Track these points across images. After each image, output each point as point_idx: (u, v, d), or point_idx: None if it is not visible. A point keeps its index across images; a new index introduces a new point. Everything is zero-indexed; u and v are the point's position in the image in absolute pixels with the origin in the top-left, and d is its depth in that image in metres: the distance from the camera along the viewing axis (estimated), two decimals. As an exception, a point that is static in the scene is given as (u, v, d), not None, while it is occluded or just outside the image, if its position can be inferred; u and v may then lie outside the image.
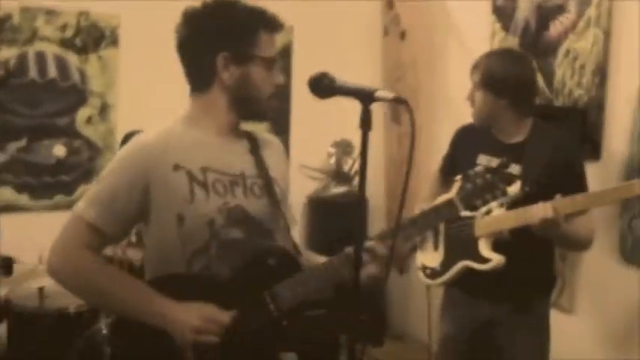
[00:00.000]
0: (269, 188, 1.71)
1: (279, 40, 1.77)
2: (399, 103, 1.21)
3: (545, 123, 2.49)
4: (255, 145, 1.77)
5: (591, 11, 3.18)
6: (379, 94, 1.23)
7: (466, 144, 2.57)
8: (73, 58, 4.24)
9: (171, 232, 1.60)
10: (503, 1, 3.72)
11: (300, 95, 4.76)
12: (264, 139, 1.84)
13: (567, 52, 3.30)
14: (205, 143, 1.68)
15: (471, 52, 4.20)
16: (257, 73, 1.66)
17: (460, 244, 2.44)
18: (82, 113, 4.30)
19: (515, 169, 2.34)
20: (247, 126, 1.82)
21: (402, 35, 4.44)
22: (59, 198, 4.28)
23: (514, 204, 2.27)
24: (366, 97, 1.24)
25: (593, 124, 3.13)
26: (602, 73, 3.12)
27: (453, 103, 3.87)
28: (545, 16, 3.46)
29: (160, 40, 4.41)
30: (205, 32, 1.68)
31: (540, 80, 3.51)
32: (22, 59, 4.12)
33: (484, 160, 2.43)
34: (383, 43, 4.63)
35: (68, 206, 4.22)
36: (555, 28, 3.41)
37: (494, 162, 2.34)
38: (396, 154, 4.39)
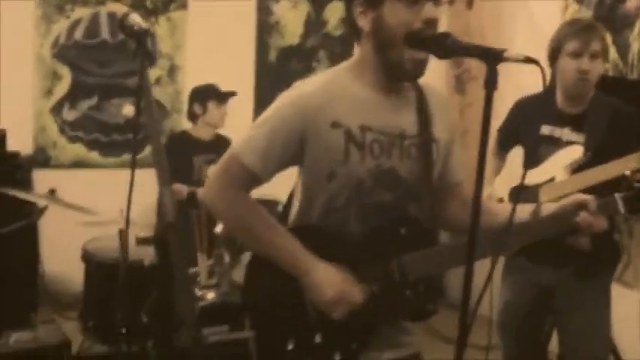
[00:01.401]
0: (427, 149, 1.64)
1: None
2: (530, 63, 1.22)
3: (607, 95, 2.51)
4: (421, 99, 1.66)
5: (673, -17, 3.12)
6: (508, 54, 1.22)
7: (528, 115, 2.56)
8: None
9: (319, 187, 1.61)
10: (578, -28, 3.66)
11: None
12: (431, 92, 1.71)
13: (645, 25, 3.25)
14: (366, 99, 1.60)
15: (541, 24, 4.18)
16: (391, 12, 1.51)
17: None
18: (151, 74, 4.39)
19: (575, 137, 2.42)
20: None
21: (470, 4, 4.40)
22: (127, 156, 4.40)
23: (577, 169, 2.33)
24: (492, 57, 1.23)
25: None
26: (680, 47, 3.08)
27: (520, 75, 3.84)
28: (622, -12, 3.41)
29: (227, 3, 4.51)
30: None
31: (614, 53, 3.47)
32: (95, 19, 4.22)
33: (547, 130, 2.48)
34: (449, 11, 4.60)
35: (136, 164, 4.41)
36: (632, 1, 3.35)
37: (557, 132, 2.46)
38: (460, 125, 4.39)
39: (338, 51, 4.78)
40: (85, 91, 4.25)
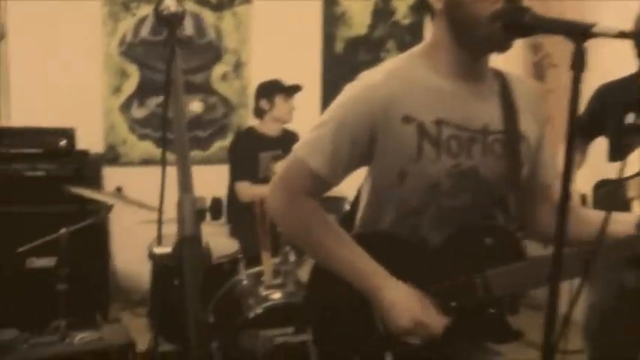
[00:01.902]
0: (513, 146, 1.45)
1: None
2: (625, 38, 1.05)
3: None
4: (505, 88, 1.48)
5: None
6: (598, 28, 1.05)
7: (612, 102, 2.38)
8: (208, 15, 4.28)
9: (389, 188, 1.45)
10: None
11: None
12: (515, 80, 1.53)
13: None
14: (442, 89, 1.43)
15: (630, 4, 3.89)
16: None
17: (609, 208, 2.24)
18: (217, 70, 4.35)
19: None
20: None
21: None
22: (195, 153, 4.38)
23: None
24: (579, 33, 1.05)
25: None
26: None
27: (601, 57, 3.59)
28: None
29: (291, -5, 4.43)
30: None
31: None
32: None
33: (632, 119, 2.29)
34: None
35: (204, 161, 4.42)
36: None
37: None
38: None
39: (407, 40, 4.61)
40: (152, 88, 4.25)
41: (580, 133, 2.51)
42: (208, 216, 2.97)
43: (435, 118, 1.42)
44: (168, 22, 1.12)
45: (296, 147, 1.49)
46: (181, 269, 0.89)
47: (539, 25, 1.23)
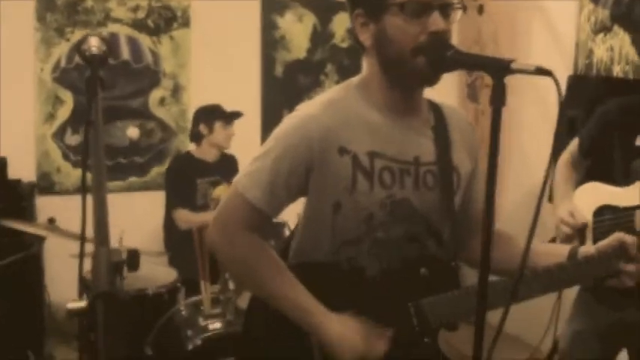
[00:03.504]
0: (445, 178, 1.48)
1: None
2: (542, 74, 1.07)
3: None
4: (439, 120, 1.51)
5: (695, -22, 2.94)
6: (516, 65, 1.08)
7: (620, 123, 2.26)
8: (145, 40, 4.23)
9: (325, 219, 1.46)
10: (593, -29, 3.50)
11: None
12: (450, 113, 1.55)
13: (666, 23, 3.07)
14: (376, 121, 1.45)
15: (556, 26, 4.02)
16: (394, 25, 1.36)
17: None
18: (155, 94, 4.29)
19: None
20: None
21: (480, 9, 4.25)
22: (133, 179, 4.30)
23: None
24: (499, 69, 1.09)
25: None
26: None
27: (536, 79, 3.69)
28: (640, -15, 3.24)
29: (230, 19, 4.41)
30: None
31: (634, 54, 3.30)
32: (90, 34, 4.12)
33: None
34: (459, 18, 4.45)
35: (142, 188, 4.34)
36: (652, -2, 3.18)
37: None
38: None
39: (346, 63, 4.65)
40: (87, 114, 4.14)
41: (582, 150, 2.39)
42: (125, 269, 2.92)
43: (368, 150, 1.44)
44: (90, 62, 1.08)
45: (235, 180, 1.49)
46: (96, 326, 0.86)
47: (461, 60, 1.26)
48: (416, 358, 1.48)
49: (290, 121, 1.47)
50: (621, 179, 2.21)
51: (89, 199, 0.97)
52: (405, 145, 1.47)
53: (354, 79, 1.52)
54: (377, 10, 1.38)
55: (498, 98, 1.04)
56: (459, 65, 1.29)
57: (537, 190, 2.18)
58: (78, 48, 1.16)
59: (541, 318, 3.10)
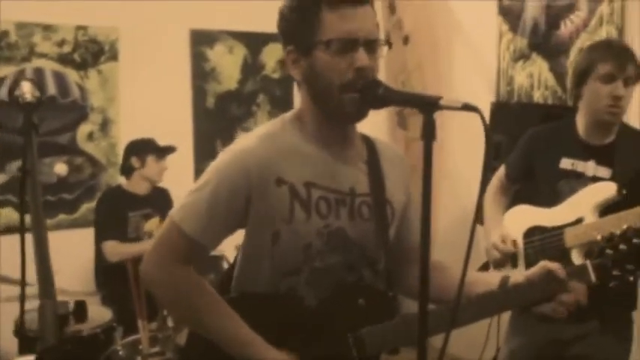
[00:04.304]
0: (380, 210, 1.52)
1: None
2: (468, 110, 1.13)
3: (627, 125, 2.31)
4: (372, 154, 1.56)
5: (603, 8, 3.14)
6: (444, 102, 1.13)
7: (545, 148, 2.34)
8: (72, 74, 4.15)
9: (264, 249, 1.47)
10: (510, 2, 3.68)
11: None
12: (383, 147, 1.61)
13: (580, 50, 3.25)
14: (312, 153, 1.49)
15: (477, 54, 4.18)
16: (322, 61, 1.40)
17: (546, 258, 2.23)
18: (83, 129, 4.21)
19: (601, 171, 2.21)
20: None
21: (405, 40, 4.38)
22: (62, 217, 4.18)
23: (607, 209, 2.12)
24: (428, 105, 1.14)
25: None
26: (616, 71, 3.07)
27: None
28: (554, 15, 3.42)
29: (159, 52, 4.39)
30: (278, 27, 1.50)
31: (552, 80, 3.47)
32: (20, 77, 4.02)
33: (568, 164, 2.26)
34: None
35: (71, 225, 4.22)
36: (566, 27, 3.37)
37: (580, 165, 2.23)
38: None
39: (278, 94, 4.69)
40: (13, 151, 4.02)
41: (509, 176, 2.47)
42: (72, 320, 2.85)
43: (305, 181, 1.47)
44: (23, 109, 1.06)
45: (172, 212, 1.49)
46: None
47: (392, 97, 1.30)
48: None
49: (227, 154, 1.49)
50: (548, 201, 2.29)
51: (28, 248, 0.94)
52: (340, 176, 1.51)
53: (288, 114, 1.55)
54: (306, 47, 1.42)
55: (429, 133, 1.09)
56: (390, 102, 1.34)
57: (467, 215, 2.23)
58: (10, 93, 1.13)
59: (480, 337, 3.17)
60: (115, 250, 3.53)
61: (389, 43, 1.43)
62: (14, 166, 4.04)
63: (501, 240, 2.33)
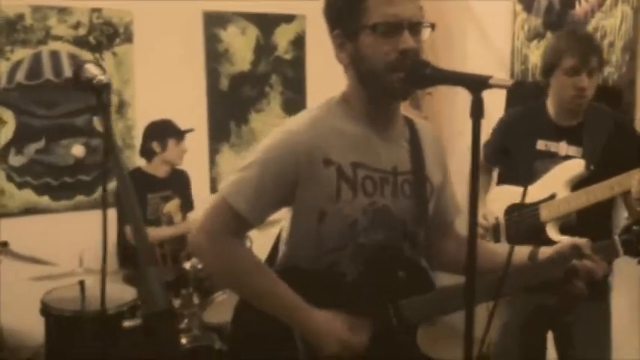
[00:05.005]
0: (420, 187, 1.58)
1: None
2: (517, 88, 1.17)
3: (594, 105, 2.43)
4: (413, 134, 1.61)
5: (619, -12, 3.15)
6: (495, 80, 1.15)
7: (519, 130, 2.48)
8: (87, 56, 4.17)
9: (310, 227, 1.53)
10: (524, -19, 3.69)
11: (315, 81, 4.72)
12: (421, 126, 1.66)
13: (595, 30, 3.27)
14: (358, 134, 1.54)
15: (491, 35, 4.20)
16: (367, 44, 1.45)
17: (524, 232, 2.40)
18: (100, 111, 4.24)
19: (572, 150, 2.35)
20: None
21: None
22: (80, 198, 4.23)
23: (578, 185, 2.27)
24: (478, 84, 1.15)
25: (626, 102, 3.11)
26: (631, 50, 3.10)
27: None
28: (569, -6, 3.44)
29: (173, 34, 4.41)
30: (325, 11, 1.55)
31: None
32: (37, 59, 4.06)
33: (542, 145, 2.40)
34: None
35: (89, 206, 4.27)
36: (581, 6, 3.38)
37: (553, 146, 2.38)
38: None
39: (290, 75, 4.72)
40: (31, 134, 4.07)
41: (486, 157, 2.61)
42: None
43: (351, 161, 1.52)
44: (99, 91, 1.10)
45: (221, 187, 1.55)
46: (152, 342, 0.90)
47: (439, 76, 1.34)
48: (396, 356, 1.57)
49: (277, 135, 1.55)
50: (526, 180, 2.43)
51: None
52: (384, 155, 1.57)
53: (334, 97, 1.60)
54: (352, 31, 1.47)
55: (478, 112, 1.13)
56: (437, 82, 1.38)
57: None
58: (76, 77, 1.17)
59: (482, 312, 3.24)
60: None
61: (432, 26, 1.46)
62: (32, 148, 4.08)
63: (483, 217, 2.49)
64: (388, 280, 1.56)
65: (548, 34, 3.58)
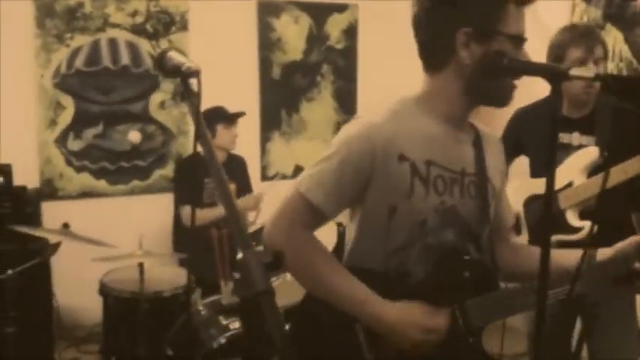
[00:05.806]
0: (483, 189, 1.59)
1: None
2: (600, 81, 1.16)
3: (607, 94, 2.43)
4: (477, 138, 1.63)
5: (685, -22, 3.07)
6: (575, 72, 1.15)
7: (532, 124, 2.49)
8: (144, 44, 4.26)
9: (380, 223, 1.53)
10: (584, -29, 3.62)
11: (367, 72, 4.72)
12: (484, 131, 1.68)
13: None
14: (433, 133, 1.54)
15: (549, 25, 4.13)
16: (499, 48, 1.44)
17: (543, 219, 2.42)
18: (155, 98, 4.33)
19: (585, 140, 2.38)
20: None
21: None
22: (135, 183, 4.33)
23: (594, 171, 2.31)
24: (558, 75, 1.15)
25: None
26: (697, 42, 3.03)
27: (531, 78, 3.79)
28: (632, -16, 3.36)
29: (227, 22, 4.46)
30: (446, 4, 1.48)
31: (627, 52, 3.43)
32: (95, 47, 4.15)
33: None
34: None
35: (144, 191, 4.36)
36: (643, -3, 3.31)
37: (566, 137, 2.40)
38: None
39: (341, 64, 4.73)
40: (89, 119, 4.18)
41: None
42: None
43: (425, 159, 1.52)
44: (186, 77, 1.13)
45: (298, 180, 1.55)
46: (250, 322, 0.92)
47: (518, 67, 1.33)
48: (462, 358, 1.56)
49: (354, 127, 1.54)
50: (542, 172, 2.43)
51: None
52: (455, 156, 1.57)
53: (412, 95, 1.59)
54: (485, 33, 1.45)
55: (556, 102, 1.13)
56: (515, 72, 1.37)
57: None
58: (160, 64, 1.19)
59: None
60: (190, 215, 3.65)
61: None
62: (90, 133, 4.19)
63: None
64: (454, 280, 1.55)
65: (608, 26, 3.51)
